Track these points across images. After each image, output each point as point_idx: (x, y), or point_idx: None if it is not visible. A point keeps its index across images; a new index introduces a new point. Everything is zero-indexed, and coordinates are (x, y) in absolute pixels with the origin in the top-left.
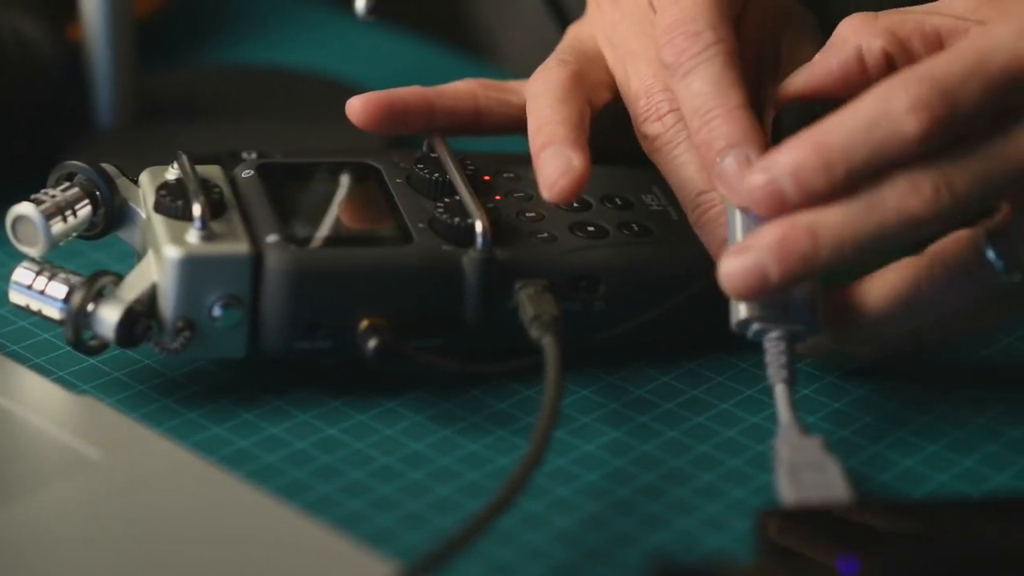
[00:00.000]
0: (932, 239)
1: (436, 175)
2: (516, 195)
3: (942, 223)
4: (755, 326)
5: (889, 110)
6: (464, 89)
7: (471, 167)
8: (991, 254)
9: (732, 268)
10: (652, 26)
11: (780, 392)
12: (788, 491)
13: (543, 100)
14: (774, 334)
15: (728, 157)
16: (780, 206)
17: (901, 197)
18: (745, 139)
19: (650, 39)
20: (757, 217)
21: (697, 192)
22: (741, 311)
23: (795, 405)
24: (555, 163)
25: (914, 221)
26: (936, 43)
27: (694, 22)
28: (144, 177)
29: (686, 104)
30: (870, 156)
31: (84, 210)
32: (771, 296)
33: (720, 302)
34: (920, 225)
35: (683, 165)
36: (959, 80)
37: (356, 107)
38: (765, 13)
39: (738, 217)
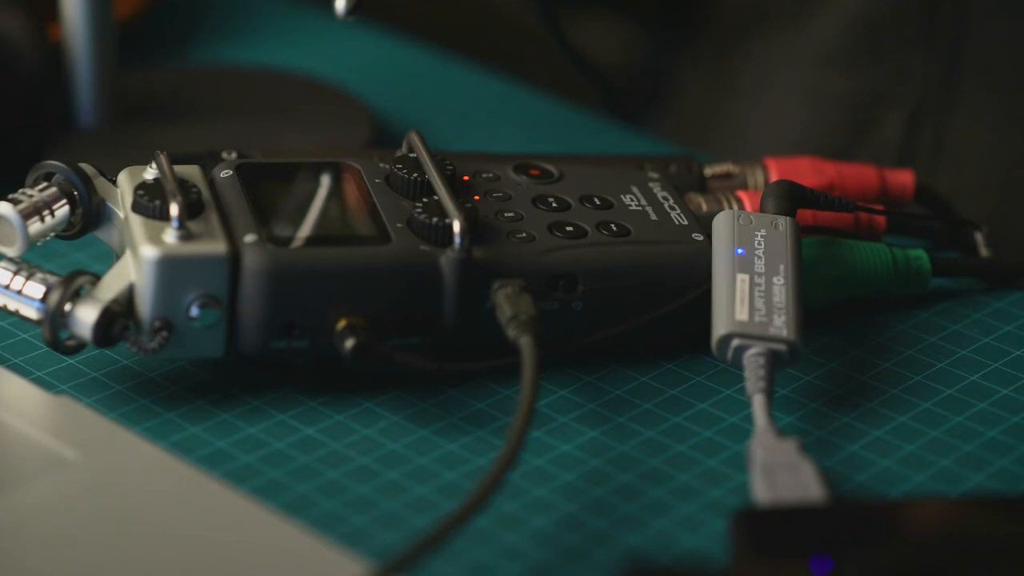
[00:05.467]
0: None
1: (415, 175)
2: (495, 195)
3: None
4: (735, 342)
5: None
6: None
7: (450, 167)
8: None
9: None
10: None
11: (758, 401)
12: (762, 492)
13: None
14: (754, 351)
15: None
16: None
17: None
18: None
19: None
20: (744, 254)
21: None
22: (722, 326)
23: (773, 406)
24: None
25: None
26: None
27: None
28: (122, 177)
29: None
30: None
31: (62, 210)
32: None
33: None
34: None
35: None
36: None
37: None
38: None
39: (721, 257)
